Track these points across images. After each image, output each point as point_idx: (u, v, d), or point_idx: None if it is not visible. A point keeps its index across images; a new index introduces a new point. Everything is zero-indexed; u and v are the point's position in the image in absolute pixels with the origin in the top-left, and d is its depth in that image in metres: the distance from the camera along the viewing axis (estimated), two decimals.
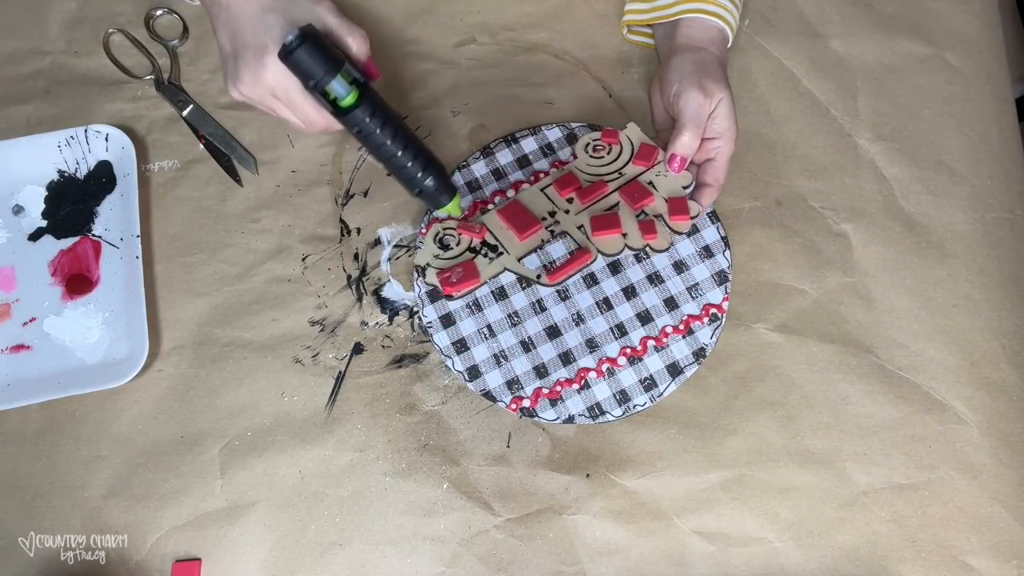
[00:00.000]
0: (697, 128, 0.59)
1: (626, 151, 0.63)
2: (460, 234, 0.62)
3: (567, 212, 0.62)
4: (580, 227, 0.62)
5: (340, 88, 0.51)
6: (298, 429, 0.60)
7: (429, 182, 0.56)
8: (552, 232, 0.62)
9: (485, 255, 0.61)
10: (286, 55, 0.50)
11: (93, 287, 0.64)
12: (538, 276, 0.61)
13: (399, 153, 0.54)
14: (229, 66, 0.56)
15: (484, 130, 0.68)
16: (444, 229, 0.62)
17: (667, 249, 0.61)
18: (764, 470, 0.58)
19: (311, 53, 0.50)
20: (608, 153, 0.64)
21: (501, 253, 0.61)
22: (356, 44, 0.56)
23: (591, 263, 0.61)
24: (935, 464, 0.58)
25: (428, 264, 0.61)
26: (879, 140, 0.66)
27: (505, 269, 0.61)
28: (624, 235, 0.60)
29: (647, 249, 0.61)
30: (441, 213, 0.59)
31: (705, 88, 0.59)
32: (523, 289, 0.62)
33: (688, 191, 0.62)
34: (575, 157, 0.64)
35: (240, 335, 0.63)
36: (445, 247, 0.61)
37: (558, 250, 0.62)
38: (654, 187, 0.62)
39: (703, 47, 0.62)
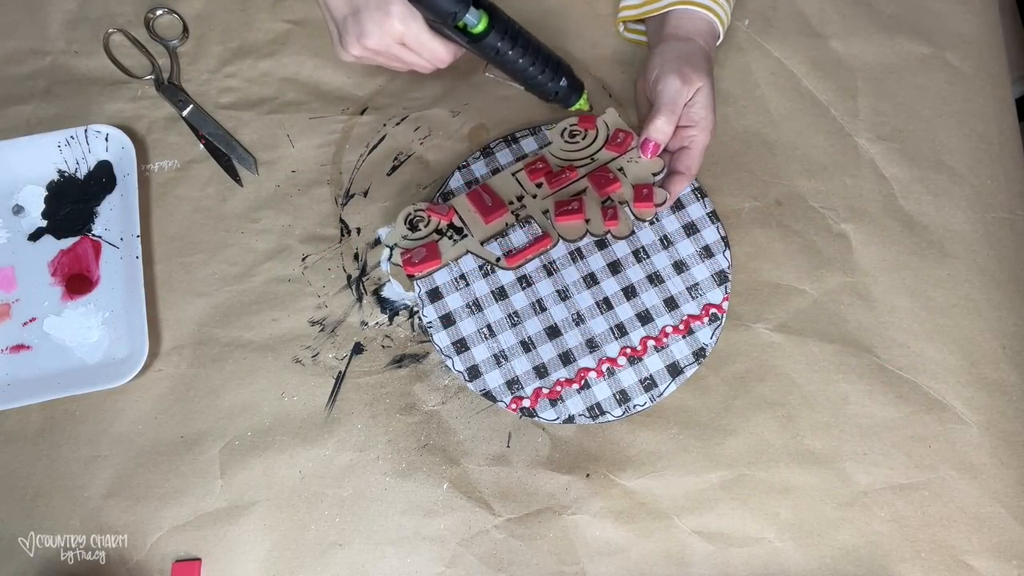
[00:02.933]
0: (672, 114, 0.59)
1: (601, 137, 0.63)
2: (429, 216, 0.62)
3: (534, 197, 0.62)
4: (545, 212, 0.61)
5: (472, 17, 0.53)
6: (298, 429, 0.60)
7: (562, 84, 0.58)
8: (517, 216, 0.62)
9: (450, 237, 0.61)
10: None
11: (93, 287, 0.64)
12: (498, 260, 0.61)
13: (531, 67, 0.56)
14: (349, 25, 0.55)
15: (484, 130, 0.68)
16: (415, 211, 0.62)
17: (628, 236, 0.61)
18: (764, 470, 0.58)
19: None
20: (583, 139, 0.64)
21: (465, 235, 0.61)
22: None
23: (551, 248, 0.61)
24: (935, 464, 0.58)
25: (396, 244, 0.61)
26: (879, 140, 0.66)
27: (467, 251, 0.61)
28: (587, 221, 0.60)
29: (609, 235, 0.61)
30: (573, 110, 0.61)
31: (684, 75, 0.59)
32: (523, 289, 0.62)
33: (657, 179, 0.62)
34: (550, 142, 0.65)
35: (240, 335, 0.63)
36: (414, 228, 0.61)
37: (520, 237, 0.61)
38: (624, 173, 0.62)
39: (690, 38, 0.62)
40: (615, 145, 0.62)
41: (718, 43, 0.65)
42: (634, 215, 0.60)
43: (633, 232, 0.62)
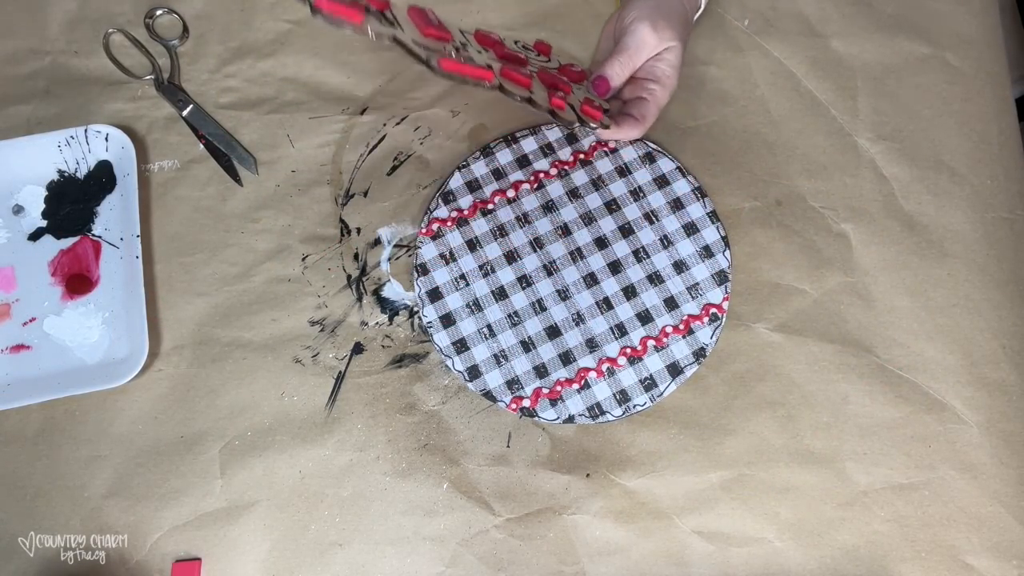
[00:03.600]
0: (630, 60, 0.59)
1: (554, 63, 0.62)
2: None
3: (479, 52, 0.57)
4: (488, 66, 0.55)
5: None
6: (298, 429, 0.60)
7: None
8: (457, 51, 0.54)
9: (378, 19, 0.51)
10: None
11: (93, 287, 0.64)
12: (428, 58, 0.52)
13: None
14: None
15: (484, 130, 0.68)
16: None
17: (570, 124, 0.58)
18: (764, 470, 0.58)
19: None
20: (536, 57, 0.62)
21: (396, 28, 0.52)
22: None
23: (489, 85, 0.54)
24: (935, 464, 0.58)
25: None
26: (879, 140, 0.66)
27: (394, 38, 0.51)
28: (532, 93, 0.56)
29: (552, 112, 0.56)
30: None
31: (658, 28, 0.59)
32: (523, 289, 0.62)
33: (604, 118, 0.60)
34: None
35: (240, 335, 0.63)
36: None
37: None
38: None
39: None
40: (569, 73, 0.60)
41: (697, 15, 0.65)
42: (578, 116, 0.57)
43: (575, 125, 0.59)
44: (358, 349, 0.62)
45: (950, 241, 0.63)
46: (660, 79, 0.60)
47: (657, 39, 0.59)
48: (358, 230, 0.65)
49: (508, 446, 0.59)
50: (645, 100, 0.61)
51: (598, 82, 0.60)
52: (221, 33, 0.72)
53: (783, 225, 0.64)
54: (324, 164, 0.67)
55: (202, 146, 0.68)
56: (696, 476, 0.58)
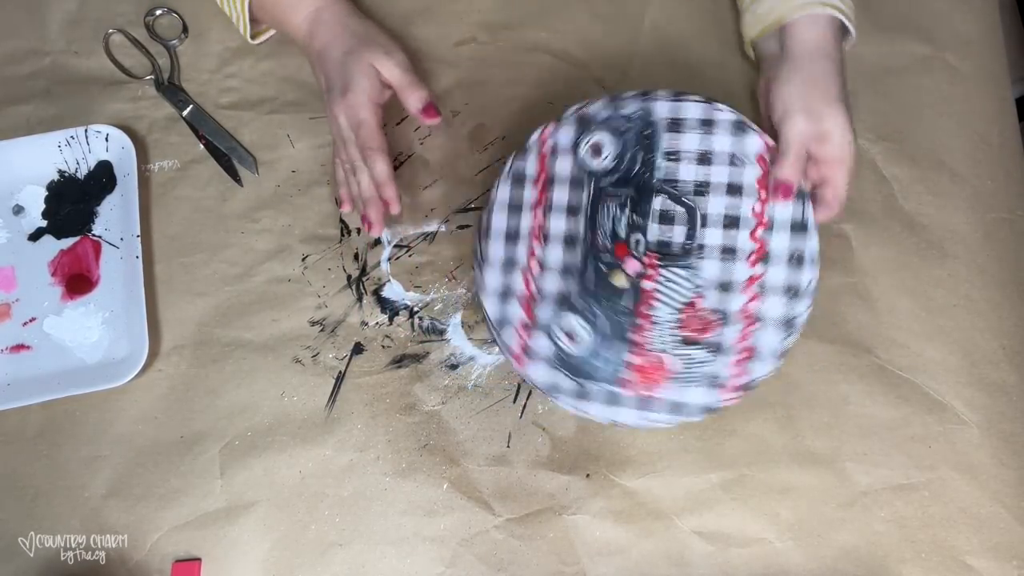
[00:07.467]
0: (799, 158, 0.56)
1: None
2: None
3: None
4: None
5: None
6: (298, 429, 0.60)
7: None
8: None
9: None
10: None
11: (93, 287, 0.64)
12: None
13: None
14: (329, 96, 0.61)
15: (484, 130, 0.68)
16: None
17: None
18: (764, 470, 0.58)
19: None
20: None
21: None
22: (413, 102, 0.61)
23: None
24: (935, 464, 0.58)
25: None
26: (879, 140, 0.66)
27: None
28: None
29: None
30: None
31: (812, 114, 0.55)
32: None
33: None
34: None
35: (240, 335, 0.63)
36: None
37: None
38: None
39: (816, 53, 0.58)
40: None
41: (850, 45, 0.62)
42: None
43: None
44: (358, 349, 0.62)
45: (950, 241, 0.63)
46: (834, 160, 0.56)
47: (816, 128, 0.55)
48: (358, 230, 0.65)
49: (508, 446, 0.59)
50: (828, 185, 0.57)
51: (782, 191, 0.56)
52: (221, 33, 0.72)
53: None
54: (324, 164, 0.67)
55: (202, 146, 0.68)
56: (696, 476, 0.58)
